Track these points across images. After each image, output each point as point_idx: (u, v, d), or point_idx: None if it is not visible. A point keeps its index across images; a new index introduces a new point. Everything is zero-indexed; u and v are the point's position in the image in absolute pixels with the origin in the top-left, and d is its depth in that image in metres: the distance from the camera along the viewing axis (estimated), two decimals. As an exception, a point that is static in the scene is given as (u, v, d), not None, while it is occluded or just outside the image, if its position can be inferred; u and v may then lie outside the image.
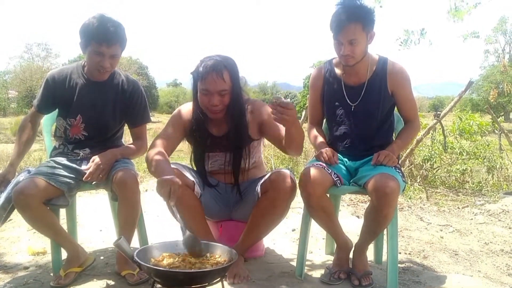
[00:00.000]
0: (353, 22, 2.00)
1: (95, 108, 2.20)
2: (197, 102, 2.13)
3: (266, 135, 2.22)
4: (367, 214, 2.09)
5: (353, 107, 2.19)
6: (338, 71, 2.25)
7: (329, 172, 2.08)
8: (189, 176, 2.13)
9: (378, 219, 2.01)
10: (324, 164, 2.11)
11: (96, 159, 2.11)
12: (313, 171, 2.04)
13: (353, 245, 2.20)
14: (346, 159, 2.21)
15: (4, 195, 2.04)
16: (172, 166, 2.03)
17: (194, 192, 2.13)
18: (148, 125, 2.44)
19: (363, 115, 2.19)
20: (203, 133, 2.18)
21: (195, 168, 2.26)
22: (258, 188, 2.14)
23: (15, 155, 2.18)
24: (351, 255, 2.21)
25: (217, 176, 2.28)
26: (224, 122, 2.17)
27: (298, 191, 2.15)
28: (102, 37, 2.02)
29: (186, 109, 2.23)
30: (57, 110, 2.28)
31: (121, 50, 2.12)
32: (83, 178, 2.10)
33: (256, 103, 2.23)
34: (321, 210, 2.08)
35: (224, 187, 2.27)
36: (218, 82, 2.00)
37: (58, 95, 2.19)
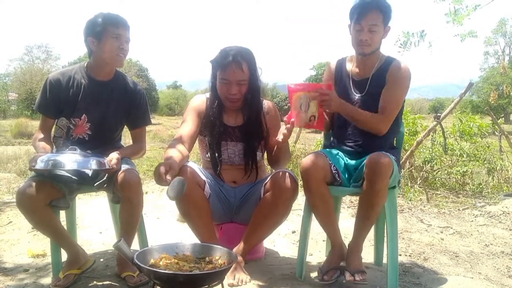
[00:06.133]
0: (376, 9, 2.09)
1: (100, 107, 2.21)
2: (214, 91, 2.24)
3: (266, 140, 2.29)
4: (360, 199, 2.08)
5: (357, 101, 2.21)
6: (349, 65, 2.28)
7: (330, 163, 2.11)
8: (201, 175, 2.14)
9: (370, 198, 1.99)
10: (325, 154, 2.14)
11: (116, 157, 2.06)
12: (315, 156, 2.09)
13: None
14: (347, 158, 2.20)
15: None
16: (187, 164, 2.07)
17: (204, 191, 2.13)
18: (148, 127, 2.45)
19: (366, 110, 2.17)
20: (217, 121, 2.24)
21: (209, 157, 2.28)
22: (261, 190, 2.15)
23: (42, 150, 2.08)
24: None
25: (223, 172, 2.27)
26: (240, 113, 2.27)
27: (299, 192, 2.15)
28: (118, 20, 2.11)
29: (200, 98, 2.33)
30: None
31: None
32: (110, 166, 2.02)
33: (273, 107, 2.37)
34: (320, 198, 2.07)
35: (228, 189, 2.27)
36: (237, 72, 2.12)
37: (62, 96, 2.18)
